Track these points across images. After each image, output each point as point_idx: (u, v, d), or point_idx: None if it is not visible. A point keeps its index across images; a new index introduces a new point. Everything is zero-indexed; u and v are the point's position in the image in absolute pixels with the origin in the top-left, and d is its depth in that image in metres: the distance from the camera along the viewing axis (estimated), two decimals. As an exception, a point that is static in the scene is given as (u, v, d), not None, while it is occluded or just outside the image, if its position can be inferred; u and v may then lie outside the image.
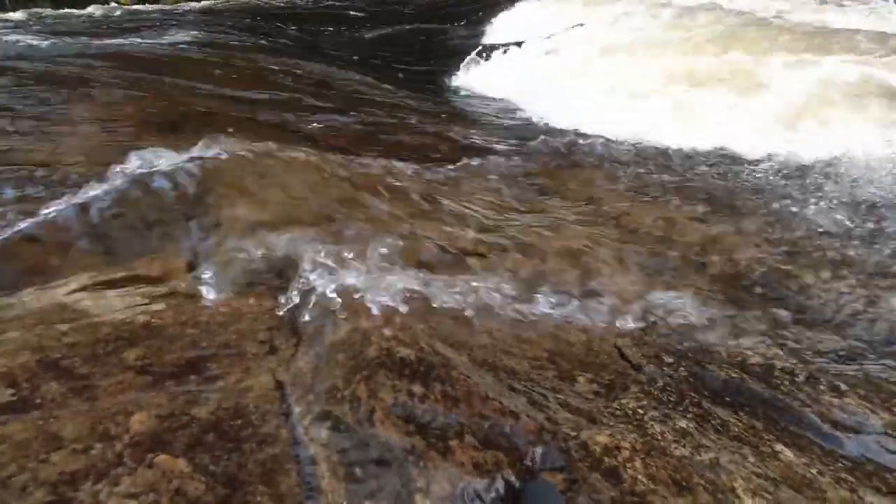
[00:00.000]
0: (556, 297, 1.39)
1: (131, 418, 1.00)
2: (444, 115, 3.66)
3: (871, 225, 2.10)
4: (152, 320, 1.27)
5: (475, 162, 2.53)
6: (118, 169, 1.67)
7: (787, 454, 1.13)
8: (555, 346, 1.33)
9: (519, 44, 5.40)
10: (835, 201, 2.30)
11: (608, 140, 3.10)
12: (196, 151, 1.81)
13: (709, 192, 2.44)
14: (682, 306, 1.50)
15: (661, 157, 2.84)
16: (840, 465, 1.12)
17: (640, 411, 1.18)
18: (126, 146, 1.85)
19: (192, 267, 1.47)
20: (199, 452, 0.94)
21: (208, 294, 1.37)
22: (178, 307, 1.32)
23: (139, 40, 5.28)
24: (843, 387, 1.36)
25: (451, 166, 2.39)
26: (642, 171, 2.67)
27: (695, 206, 2.24)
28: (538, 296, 1.41)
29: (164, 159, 1.73)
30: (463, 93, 4.58)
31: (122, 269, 1.45)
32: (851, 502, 1.03)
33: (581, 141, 3.05)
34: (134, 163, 1.70)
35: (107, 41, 5.15)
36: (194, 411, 1.04)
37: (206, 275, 1.43)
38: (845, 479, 1.08)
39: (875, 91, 3.10)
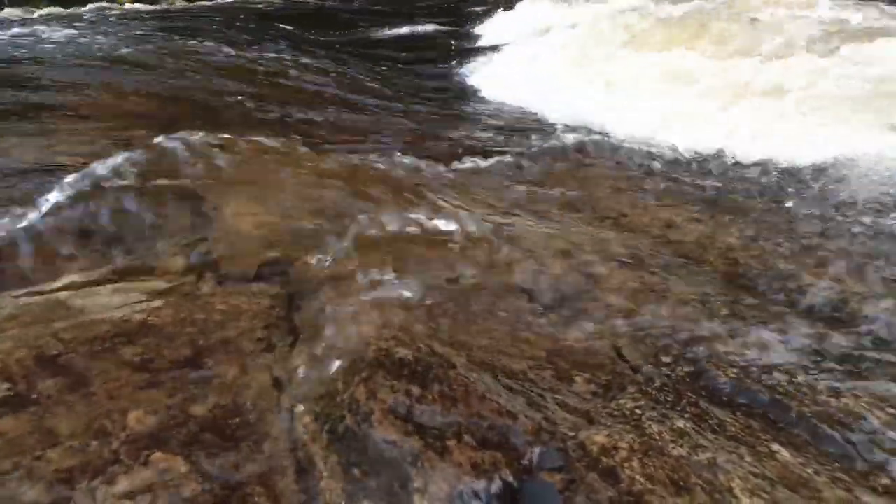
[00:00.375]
0: (555, 297, 1.39)
1: (128, 416, 1.00)
2: (443, 115, 3.66)
3: (869, 226, 2.10)
4: (150, 318, 1.26)
5: (474, 161, 2.52)
6: (113, 165, 1.67)
7: (784, 454, 1.13)
8: (553, 347, 1.33)
9: (519, 43, 5.40)
10: (833, 202, 2.31)
11: (608, 140, 3.10)
12: (193, 147, 1.80)
13: (707, 192, 2.44)
14: (680, 306, 1.50)
15: (661, 157, 2.85)
16: (836, 464, 1.13)
17: (638, 411, 1.18)
18: (121, 143, 1.84)
19: (189, 265, 1.47)
20: (196, 450, 0.94)
21: (206, 292, 1.37)
22: (175, 305, 1.31)
23: (138, 39, 5.27)
24: (840, 387, 1.36)
25: (450, 165, 2.39)
26: (641, 170, 2.67)
27: (693, 206, 2.24)
28: (537, 295, 1.41)
29: (160, 155, 1.72)
30: (463, 92, 4.58)
31: (119, 266, 1.44)
32: (847, 502, 1.03)
33: (581, 141, 3.05)
34: (129, 158, 1.70)
35: (102, 39, 5.14)
36: (192, 409, 1.03)
37: (205, 271, 1.43)
38: (841, 479, 1.08)
39: (876, 91, 3.11)
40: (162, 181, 1.66)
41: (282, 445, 1.00)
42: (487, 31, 7.11)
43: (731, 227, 2.07)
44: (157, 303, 1.31)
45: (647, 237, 1.89)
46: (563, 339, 1.36)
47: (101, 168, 1.66)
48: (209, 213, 1.59)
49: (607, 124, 3.30)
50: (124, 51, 4.34)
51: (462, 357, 1.25)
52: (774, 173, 2.66)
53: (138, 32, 5.77)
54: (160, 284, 1.37)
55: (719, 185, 2.56)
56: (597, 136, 3.11)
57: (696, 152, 2.90)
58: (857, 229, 2.10)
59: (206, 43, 5.18)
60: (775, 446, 1.14)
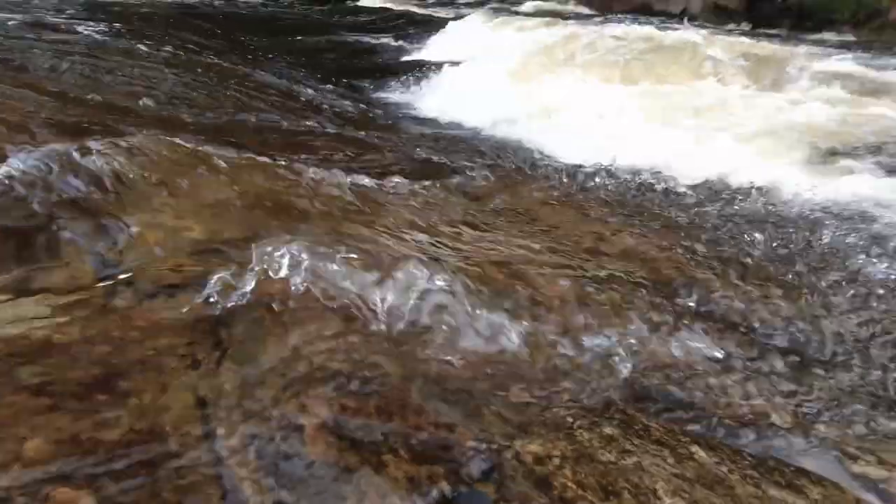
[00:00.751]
0: (491, 306, 1.41)
1: (25, 445, 0.90)
2: (382, 130, 3.63)
3: (778, 241, 2.31)
4: (55, 335, 1.14)
5: (411, 176, 2.52)
6: (13, 165, 1.51)
7: (702, 454, 1.20)
8: (489, 357, 1.35)
9: (458, 62, 5.48)
10: (747, 219, 2.52)
11: (543, 157, 3.21)
12: (110, 151, 1.67)
13: (635, 208, 2.58)
14: (608, 314, 1.57)
15: (594, 174, 2.98)
16: (746, 462, 1.21)
17: (570, 419, 1.22)
18: (33, 146, 1.67)
19: (102, 275, 1.35)
20: (105, 482, 0.86)
21: (121, 306, 1.26)
22: (84, 321, 1.20)
23: (50, 32, 4.84)
24: (752, 389, 1.48)
25: (386, 179, 2.37)
26: (575, 186, 2.79)
27: (621, 219, 2.36)
28: (473, 305, 1.42)
29: (67, 156, 1.58)
30: (402, 108, 4.57)
31: (19, 277, 1.30)
32: (755, 496, 1.12)
33: (517, 158, 3.15)
34: (36, 162, 1.54)
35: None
36: (102, 435, 0.95)
37: (119, 284, 1.32)
38: (751, 476, 1.17)
39: (792, 127, 3.45)
40: (71, 186, 1.53)
41: (205, 471, 0.94)
42: (428, 48, 7.17)
43: (654, 240, 2.20)
44: (63, 318, 1.19)
45: (579, 248, 1.97)
46: (499, 349, 1.38)
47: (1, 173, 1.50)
48: (124, 221, 1.48)
49: (544, 143, 3.43)
50: (37, 47, 3.96)
51: (399, 369, 1.23)
52: (697, 192, 2.86)
53: (48, 23, 5.30)
54: (66, 298, 1.25)
55: (647, 200, 2.72)
56: (534, 154, 3.21)
57: (628, 170, 3.07)
58: (767, 243, 2.30)
59: (127, 39, 4.85)
60: (694, 448, 1.22)
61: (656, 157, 3.14)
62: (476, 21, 7.84)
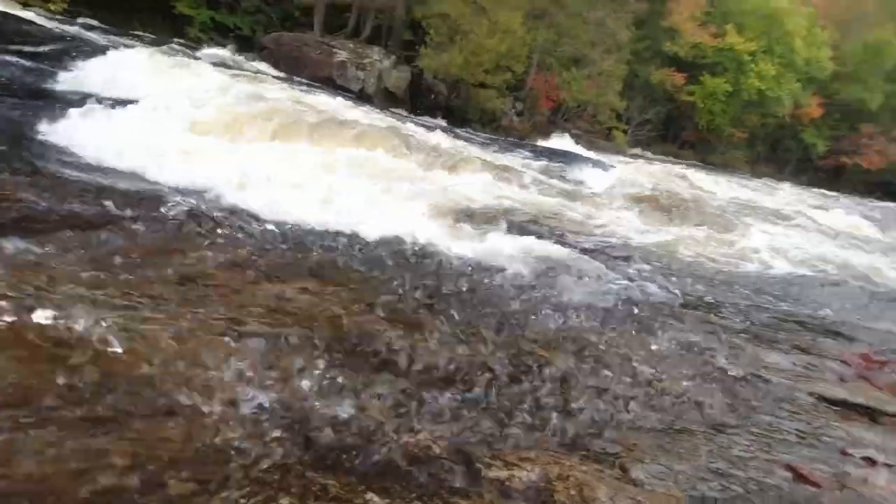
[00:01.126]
0: (152, 386, 1.21)
1: None
2: (15, 172, 2.80)
3: (445, 289, 2.75)
4: None
5: (58, 231, 2.01)
6: None
7: (376, 499, 1.28)
8: (143, 449, 1.14)
9: (129, 101, 4.78)
10: (418, 272, 2.92)
11: (224, 216, 3.04)
12: None
13: (321, 268, 2.67)
14: (288, 378, 1.55)
15: (278, 235, 2.97)
16: (413, 495, 1.35)
17: (243, 500, 1.12)
18: None
19: None
20: None
21: None
22: None
23: None
24: (416, 426, 1.66)
25: (17, 235, 1.82)
26: (258, 247, 2.71)
27: (307, 280, 2.41)
28: (133, 385, 1.18)
29: None
30: (53, 148, 3.63)
31: None
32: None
33: (195, 216, 2.87)
34: None
35: None
36: None
37: None
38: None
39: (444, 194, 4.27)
40: None
41: None
42: (87, 77, 6.00)
43: (340, 298, 2.31)
44: None
45: (261, 311, 1.90)
46: (159, 436, 1.18)
47: None
48: None
49: (221, 201, 3.26)
50: None
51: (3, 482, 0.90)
52: (378, 250, 3.17)
53: None
54: None
55: (335, 260, 2.85)
56: (212, 214, 2.99)
57: (316, 230, 3.18)
58: (437, 291, 2.70)
59: None
60: (369, 495, 1.28)
61: (341, 219, 3.38)
62: (151, 56, 7.07)
